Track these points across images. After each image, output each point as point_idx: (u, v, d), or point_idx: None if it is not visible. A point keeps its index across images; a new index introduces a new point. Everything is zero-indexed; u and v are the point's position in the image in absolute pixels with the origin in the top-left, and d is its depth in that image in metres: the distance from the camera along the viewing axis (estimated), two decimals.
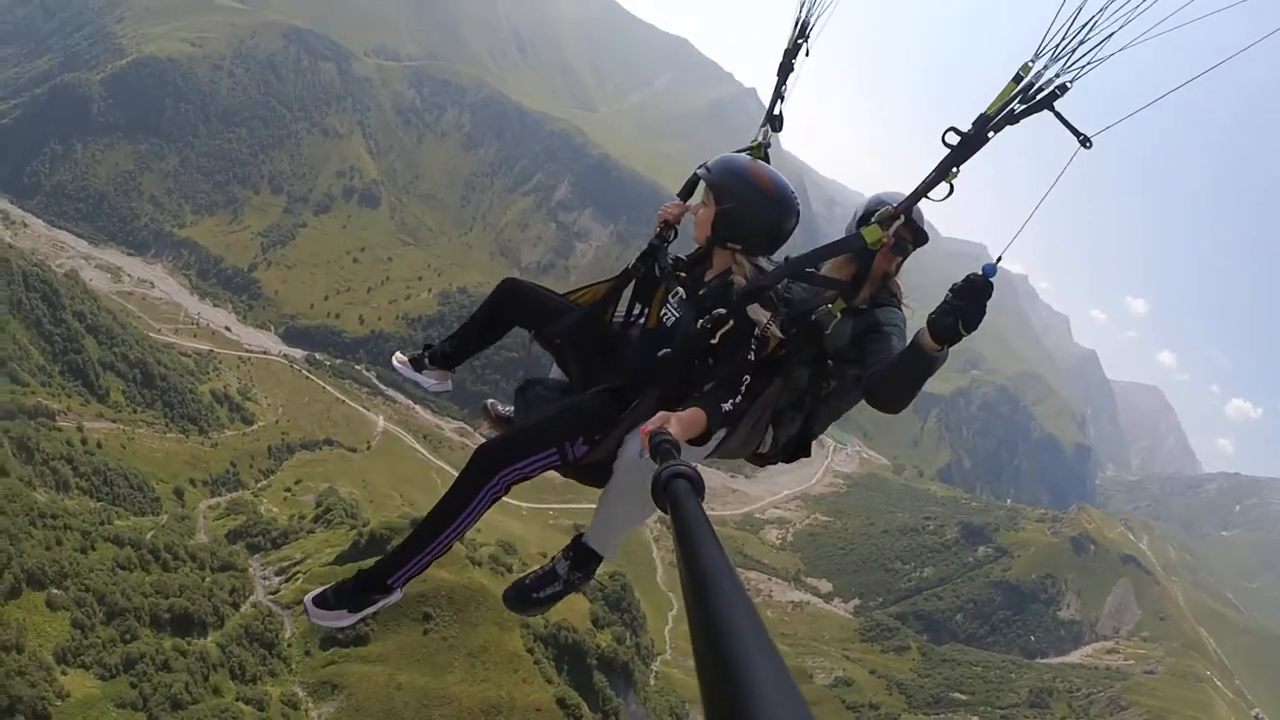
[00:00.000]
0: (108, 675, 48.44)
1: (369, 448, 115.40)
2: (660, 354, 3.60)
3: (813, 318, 3.56)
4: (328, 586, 3.52)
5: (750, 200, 3.61)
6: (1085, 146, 2.92)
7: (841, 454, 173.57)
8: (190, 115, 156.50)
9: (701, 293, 3.74)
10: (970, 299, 2.99)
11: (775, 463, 4.05)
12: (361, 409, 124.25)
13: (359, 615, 3.48)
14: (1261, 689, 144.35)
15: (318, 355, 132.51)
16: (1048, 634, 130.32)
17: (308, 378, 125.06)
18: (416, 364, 4.49)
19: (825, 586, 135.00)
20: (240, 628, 55.22)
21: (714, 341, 3.44)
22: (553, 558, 3.82)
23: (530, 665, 59.29)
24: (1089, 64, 2.64)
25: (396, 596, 3.49)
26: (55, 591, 48.16)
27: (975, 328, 3.06)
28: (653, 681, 78.08)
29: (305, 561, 68.97)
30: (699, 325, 3.49)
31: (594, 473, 3.59)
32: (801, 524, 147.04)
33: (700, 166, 4.00)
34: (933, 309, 3.10)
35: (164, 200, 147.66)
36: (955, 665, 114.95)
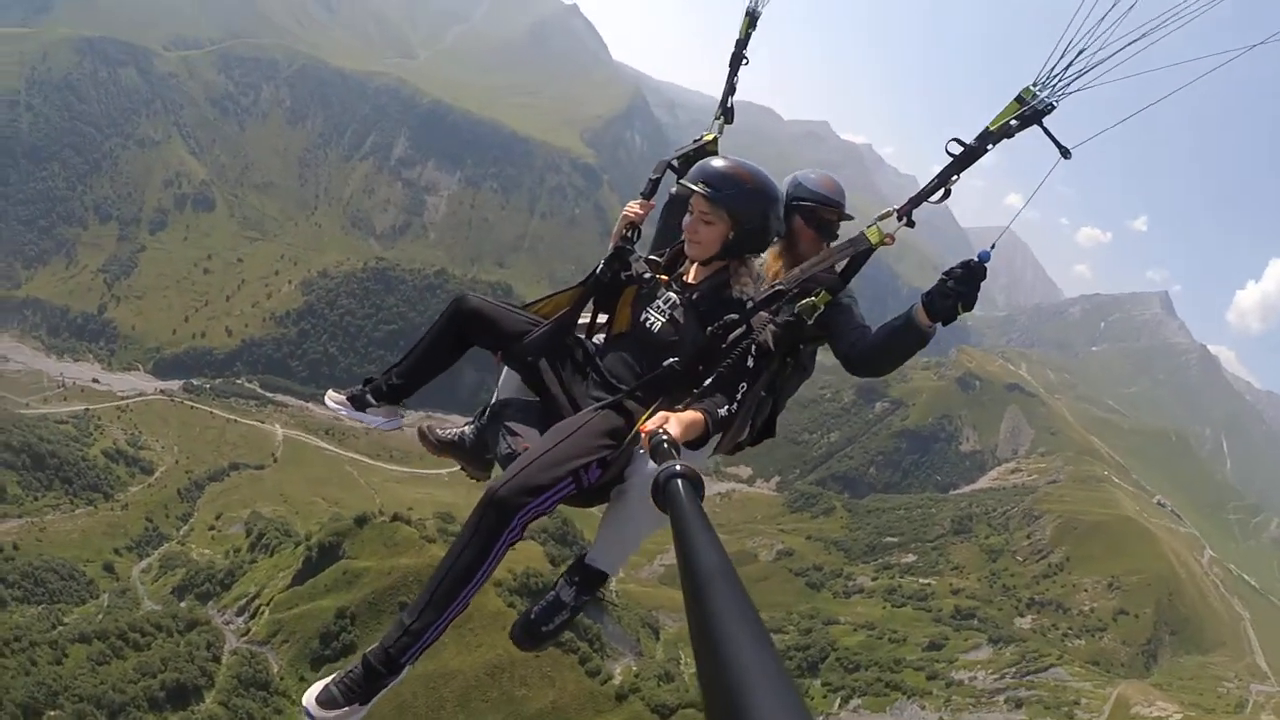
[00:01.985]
0: None
1: (275, 460, 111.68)
2: (667, 364, 3.42)
3: (795, 311, 3.56)
4: (329, 681, 3.00)
5: (765, 210, 3.62)
6: (1065, 157, 3.19)
7: None
8: None
9: (695, 296, 3.65)
10: (968, 284, 3.22)
11: (744, 449, 3.94)
12: (256, 423, 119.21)
13: (371, 703, 3.00)
14: (1158, 479, 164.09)
15: (195, 381, 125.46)
16: (954, 468, 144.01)
17: (192, 407, 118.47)
18: (358, 403, 3.95)
19: (745, 472, 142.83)
20: (232, 679, 54.54)
21: (724, 346, 3.37)
22: (554, 585, 3.57)
23: (514, 618, 60.96)
24: (1067, 93, 3.12)
25: (405, 672, 3.03)
26: (53, 714, 45.83)
27: (972, 308, 3.28)
28: (616, 599, 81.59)
29: (262, 593, 67.68)
30: (709, 331, 3.41)
31: (595, 495, 3.35)
32: None
33: (660, 169, 4.08)
34: (926, 290, 3.33)
35: None
36: (880, 514, 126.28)
